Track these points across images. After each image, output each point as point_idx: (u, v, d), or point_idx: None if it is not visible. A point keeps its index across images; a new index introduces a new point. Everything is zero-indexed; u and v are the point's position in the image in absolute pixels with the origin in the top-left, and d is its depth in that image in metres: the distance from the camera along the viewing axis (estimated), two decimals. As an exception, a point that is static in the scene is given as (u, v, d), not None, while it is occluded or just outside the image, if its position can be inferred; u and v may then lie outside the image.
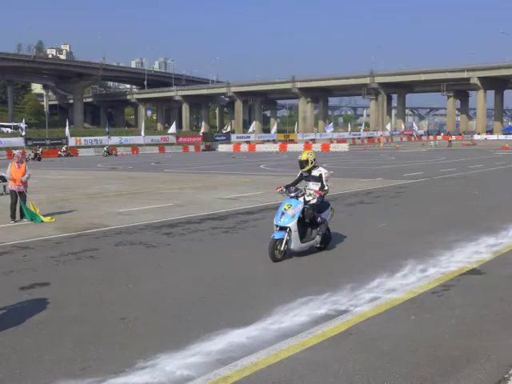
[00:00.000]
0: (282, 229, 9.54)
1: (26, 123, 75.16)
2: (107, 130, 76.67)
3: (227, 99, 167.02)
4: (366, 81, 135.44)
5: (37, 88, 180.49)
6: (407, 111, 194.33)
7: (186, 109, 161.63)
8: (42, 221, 14.37)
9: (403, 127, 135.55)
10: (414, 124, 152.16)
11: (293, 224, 9.52)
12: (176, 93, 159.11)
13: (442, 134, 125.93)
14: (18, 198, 14.53)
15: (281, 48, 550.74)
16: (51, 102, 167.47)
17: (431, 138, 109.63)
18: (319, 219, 10.02)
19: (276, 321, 6.44)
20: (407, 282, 8.08)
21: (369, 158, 47.61)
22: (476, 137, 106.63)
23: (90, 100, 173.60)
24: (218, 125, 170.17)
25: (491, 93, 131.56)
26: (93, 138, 78.04)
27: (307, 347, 5.67)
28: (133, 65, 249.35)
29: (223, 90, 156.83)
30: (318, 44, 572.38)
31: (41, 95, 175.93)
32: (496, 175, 28.15)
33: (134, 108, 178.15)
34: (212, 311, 6.91)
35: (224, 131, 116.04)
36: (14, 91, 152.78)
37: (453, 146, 71.25)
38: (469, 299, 7.28)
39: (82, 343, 5.90)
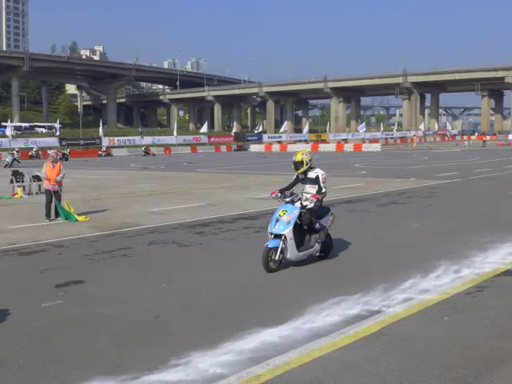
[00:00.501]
0: (277, 237, 8.90)
1: (60, 123, 76.49)
2: (140, 130, 77.51)
3: (259, 99, 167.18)
4: (399, 80, 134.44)
5: (71, 89, 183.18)
6: (441, 111, 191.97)
7: (217, 109, 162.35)
8: (77, 220, 14.57)
9: (437, 127, 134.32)
10: (448, 124, 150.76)
11: (288, 231, 8.83)
12: (208, 93, 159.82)
13: (476, 133, 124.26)
14: (53, 198, 14.75)
15: (311, 47, 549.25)
16: (85, 103, 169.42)
17: (465, 137, 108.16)
18: (318, 225, 9.33)
19: (308, 320, 6.43)
20: (441, 282, 7.99)
21: (402, 157, 47.17)
22: (510, 136, 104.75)
23: (123, 100, 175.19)
24: (249, 125, 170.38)
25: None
26: (126, 138, 78.91)
27: (339, 347, 5.65)
28: (165, 65, 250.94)
29: (255, 90, 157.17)
30: (349, 43, 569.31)
31: (75, 96, 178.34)
32: (532, 175, 27.63)
33: (167, 108, 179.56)
34: (244, 310, 6.93)
35: (256, 131, 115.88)
36: (49, 92, 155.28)
37: (487, 146, 70.31)
38: (503, 300, 7.18)
39: (115, 341, 5.97)
